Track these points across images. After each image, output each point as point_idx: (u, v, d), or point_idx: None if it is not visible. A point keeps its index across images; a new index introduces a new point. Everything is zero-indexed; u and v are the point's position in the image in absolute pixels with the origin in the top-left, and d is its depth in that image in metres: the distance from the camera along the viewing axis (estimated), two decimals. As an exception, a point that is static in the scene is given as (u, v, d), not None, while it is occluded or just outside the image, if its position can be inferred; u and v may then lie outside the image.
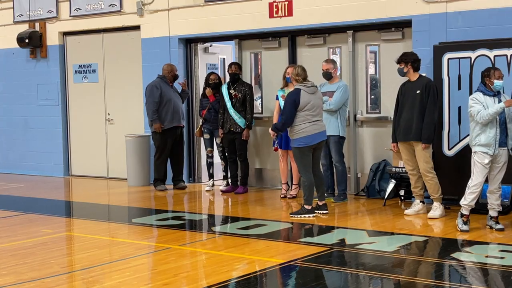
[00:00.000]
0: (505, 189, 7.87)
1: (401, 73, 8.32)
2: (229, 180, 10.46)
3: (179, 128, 10.79)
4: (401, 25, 9.49)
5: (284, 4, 10.24)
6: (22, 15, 13.12)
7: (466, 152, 7.92)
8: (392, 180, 9.02)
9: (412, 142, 8.19)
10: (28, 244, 7.27)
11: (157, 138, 10.66)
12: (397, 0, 9.34)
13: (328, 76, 9.27)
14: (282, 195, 9.74)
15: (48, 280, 5.91)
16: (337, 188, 9.40)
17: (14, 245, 7.26)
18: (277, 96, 9.74)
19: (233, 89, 10.13)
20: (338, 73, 9.47)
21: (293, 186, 9.79)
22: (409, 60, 8.24)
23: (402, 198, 9.08)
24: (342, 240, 7.12)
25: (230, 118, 10.10)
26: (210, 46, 11.74)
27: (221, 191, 10.35)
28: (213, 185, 10.63)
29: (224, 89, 10.22)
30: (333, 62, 9.37)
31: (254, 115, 10.34)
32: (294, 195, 9.65)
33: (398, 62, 8.32)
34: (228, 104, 10.09)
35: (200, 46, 11.56)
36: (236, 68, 10.28)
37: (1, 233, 8.07)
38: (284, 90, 9.49)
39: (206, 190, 10.54)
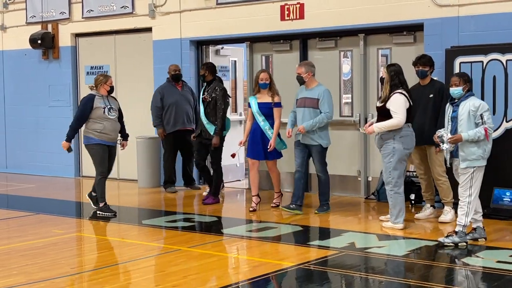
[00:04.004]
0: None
1: (424, 75, 8.26)
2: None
3: (187, 131, 10.54)
4: (413, 29, 9.46)
5: (296, 7, 10.24)
6: (34, 16, 13.18)
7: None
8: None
9: (425, 146, 8.14)
10: (38, 245, 7.30)
11: (163, 141, 10.73)
12: (409, 4, 9.32)
13: (300, 80, 8.79)
14: (251, 209, 8.99)
15: (58, 280, 5.93)
16: (320, 198, 8.91)
17: (25, 245, 7.29)
18: (249, 103, 9.18)
19: (206, 92, 9.60)
20: (312, 75, 8.79)
21: (276, 195, 9.31)
22: (432, 63, 8.23)
23: (413, 202, 9.05)
24: (352, 244, 7.10)
25: (201, 123, 9.62)
26: (221, 49, 11.75)
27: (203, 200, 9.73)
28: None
29: (201, 92, 9.79)
30: (306, 65, 8.82)
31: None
32: (277, 204, 9.21)
33: (423, 64, 8.23)
34: (201, 108, 9.61)
35: (211, 49, 11.58)
36: (203, 70, 9.72)
37: (12, 233, 8.11)
38: (257, 96, 9.04)
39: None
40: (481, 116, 6.84)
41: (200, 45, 11.46)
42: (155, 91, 10.77)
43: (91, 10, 12.42)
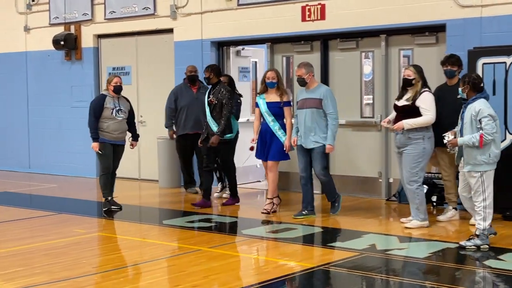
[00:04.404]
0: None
1: (452, 74, 8.21)
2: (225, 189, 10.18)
3: (195, 135, 10.17)
4: (435, 30, 9.41)
5: (317, 8, 10.22)
6: (57, 17, 13.30)
7: (503, 157, 7.76)
8: (425, 186, 8.94)
9: None
10: (61, 244, 7.36)
11: (175, 143, 10.76)
12: (431, 4, 9.27)
13: (301, 82, 8.56)
14: (265, 211, 8.83)
15: (80, 279, 5.98)
16: (328, 199, 8.82)
17: (47, 244, 7.35)
18: (256, 103, 8.98)
19: (211, 95, 9.37)
20: (313, 76, 8.59)
21: (267, 201, 8.97)
22: (461, 63, 8.19)
23: (435, 204, 8.99)
24: (373, 246, 7.07)
25: (209, 127, 9.39)
26: (242, 50, 11.77)
27: (223, 204, 9.70)
28: (222, 189, 10.41)
29: (206, 95, 9.55)
30: (306, 66, 8.57)
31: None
32: (267, 211, 8.82)
33: (452, 63, 8.17)
34: (207, 111, 9.36)
35: (232, 50, 11.60)
36: (205, 71, 9.54)
37: (34, 232, 8.19)
38: (264, 96, 8.86)
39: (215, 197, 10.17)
40: (480, 121, 6.77)
41: (221, 46, 11.49)
42: (171, 91, 10.78)
43: (113, 12, 12.50)
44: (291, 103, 9.01)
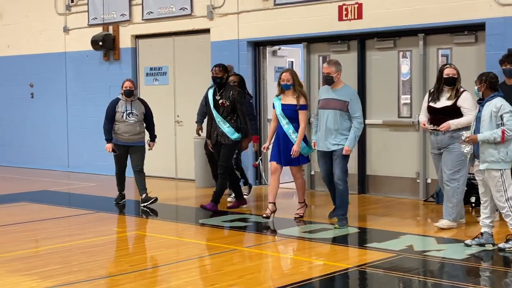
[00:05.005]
0: None
1: (510, 73, 8.10)
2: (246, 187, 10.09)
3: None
4: (474, 29, 9.28)
5: (354, 7, 10.16)
6: (96, 18, 13.45)
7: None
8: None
9: None
10: (98, 242, 7.44)
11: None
12: (470, 3, 9.14)
13: (329, 81, 8.04)
14: (265, 215, 8.47)
15: (117, 277, 6.04)
16: (337, 212, 8.17)
17: (85, 242, 7.44)
18: (273, 104, 8.56)
19: (219, 96, 9.01)
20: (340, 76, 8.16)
21: (299, 205, 8.66)
22: None
23: (473, 205, 8.87)
24: (410, 247, 7.00)
25: (217, 128, 8.98)
26: (279, 49, 11.76)
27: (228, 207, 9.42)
28: (249, 190, 10.26)
29: (210, 95, 9.12)
30: (336, 64, 8.10)
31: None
32: (301, 214, 8.59)
33: (511, 62, 8.04)
34: (215, 113, 8.99)
35: (268, 49, 11.60)
36: (218, 71, 9.05)
37: (73, 230, 8.30)
38: (280, 97, 8.45)
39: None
40: (501, 117, 6.67)
41: (258, 46, 11.50)
42: (207, 89, 10.74)
43: (151, 12, 12.60)
44: (307, 106, 8.57)
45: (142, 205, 9.47)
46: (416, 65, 9.90)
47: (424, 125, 7.96)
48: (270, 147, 8.63)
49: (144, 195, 9.54)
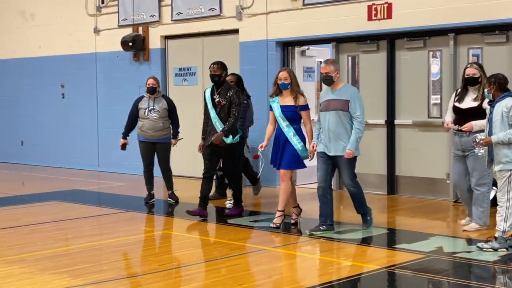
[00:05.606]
0: None
1: None
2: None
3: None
4: (506, 28, 9.17)
5: (384, 7, 10.11)
6: (126, 19, 13.56)
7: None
8: (494, 188, 8.71)
9: None
10: (128, 241, 7.51)
11: None
12: (501, 2, 9.03)
13: (328, 81, 7.68)
14: (273, 225, 8.03)
15: (146, 276, 6.08)
16: (358, 212, 7.90)
17: (115, 241, 7.50)
18: (270, 106, 8.12)
19: (217, 95, 8.62)
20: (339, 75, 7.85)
21: (278, 213, 8.10)
22: None
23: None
24: (440, 248, 6.94)
25: (213, 129, 8.60)
26: (307, 49, 11.74)
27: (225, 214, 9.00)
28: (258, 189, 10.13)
29: (207, 94, 8.72)
30: (334, 63, 7.81)
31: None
32: (277, 225, 8.03)
33: None
34: (212, 113, 8.60)
35: (297, 50, 11.59)
36: (216, 68, 8.64)
37: (103, 230, 8.38)
38: (278, 98, 8.02)
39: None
40: None
41: (286, 46, 11.49)
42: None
43: (180, 13, 12.66)
44: (308, 106, 8.10)
45: (144, 201, 9.93)
46: (446, 65, 9.82)
47: (448, 125, 7.87)
48: (260, 154, 8.24)
49: (169, 192, 9.93)
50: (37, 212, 9.54)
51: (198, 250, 7.26)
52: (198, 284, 5.82)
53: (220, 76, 8.61)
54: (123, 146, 10.00)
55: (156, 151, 9.86)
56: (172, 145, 9.97)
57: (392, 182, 10.38)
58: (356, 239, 7.46)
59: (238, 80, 9.62)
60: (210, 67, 8.69)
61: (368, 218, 7.88)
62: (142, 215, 9.28)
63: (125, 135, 9.99)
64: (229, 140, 8.60)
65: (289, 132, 7.92)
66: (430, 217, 8.61)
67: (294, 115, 7.95)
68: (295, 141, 7.91)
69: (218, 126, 8.55)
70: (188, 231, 8.10)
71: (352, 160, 7.64)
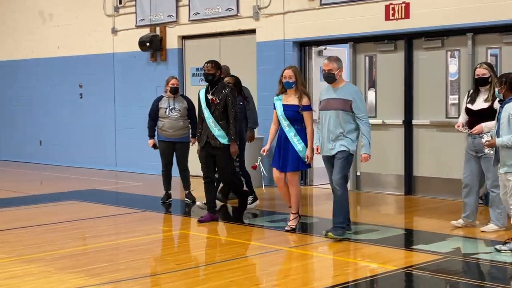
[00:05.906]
0: None
1: None
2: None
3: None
4: (525, 27, 9.10)
5: (401, 7, 10.06)
6: (143, 19, 13.61)
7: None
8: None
9: None
10: (145, 241, 7.53)
11: None
12: (521, 1, 8.96)
13: (331, 78, 7.45)
14: (288, 229, 7.86)
15: (163, 276, 6.10)
16: (334, 220, 7.42)
17: (132, 241, 7.53)
18: (274, 105, 7.89)
19: (211, 94, 8.34)
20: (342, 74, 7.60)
21: (292, 216, 7.94)
22: None
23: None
24: (457, 249, 6.90)
25: (208, 130, 8.30)
26: (324, 49, 11.71)
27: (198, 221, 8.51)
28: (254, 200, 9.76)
29: (201, 94, 8.44)
30: (337, 60, 7.48)
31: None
32: (293, 227, 7.89)
33: None
34: (206, 113, 8.30)
35: (314, 49, 11.57)
36: (210, 67, 8.35)
37: (120, 229, 8.41)
38: (282, 97, 7.84)
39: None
40: None
41: (303, 46, 11.48)
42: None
43: (197, 13, 12.69)
44: (311, 107, 7.87)
45: (162, 201, 9.95)
46: (464, 65, 9.75)
47: (458, 127, 7.79)
48: (258, 164, 8.12)
49: (186, 192, 9.97)
50: (55, 211, 9.60)
51: (214, 250, 7.27)
52: (214, 284, 5.83)
53: (214, 75, 8.33)
54: (154, 146, 9.96)
55: (175, 150, 9.91)
56: (191, 144, 9.99)
57: (409, 183, 10.34)
58: (373, 239, 7.42)
59: (236, 82, 9.42)
60: (204, 66, 8.46)
61: (340, 230, 7.33)
62: (159, 215, 9.31)
63: (152, 135, 9.97)
64: (225, 140, 8.31)
65: (290, 132, 7.72)
66: (448, 218, 8.55)
67: (296, 115, 7.72)
68: (295, 141, 7.71)
69: (213, 126, 8.25)
70: (204, 231, 8.11)
71: (349, 157, 7.38)
